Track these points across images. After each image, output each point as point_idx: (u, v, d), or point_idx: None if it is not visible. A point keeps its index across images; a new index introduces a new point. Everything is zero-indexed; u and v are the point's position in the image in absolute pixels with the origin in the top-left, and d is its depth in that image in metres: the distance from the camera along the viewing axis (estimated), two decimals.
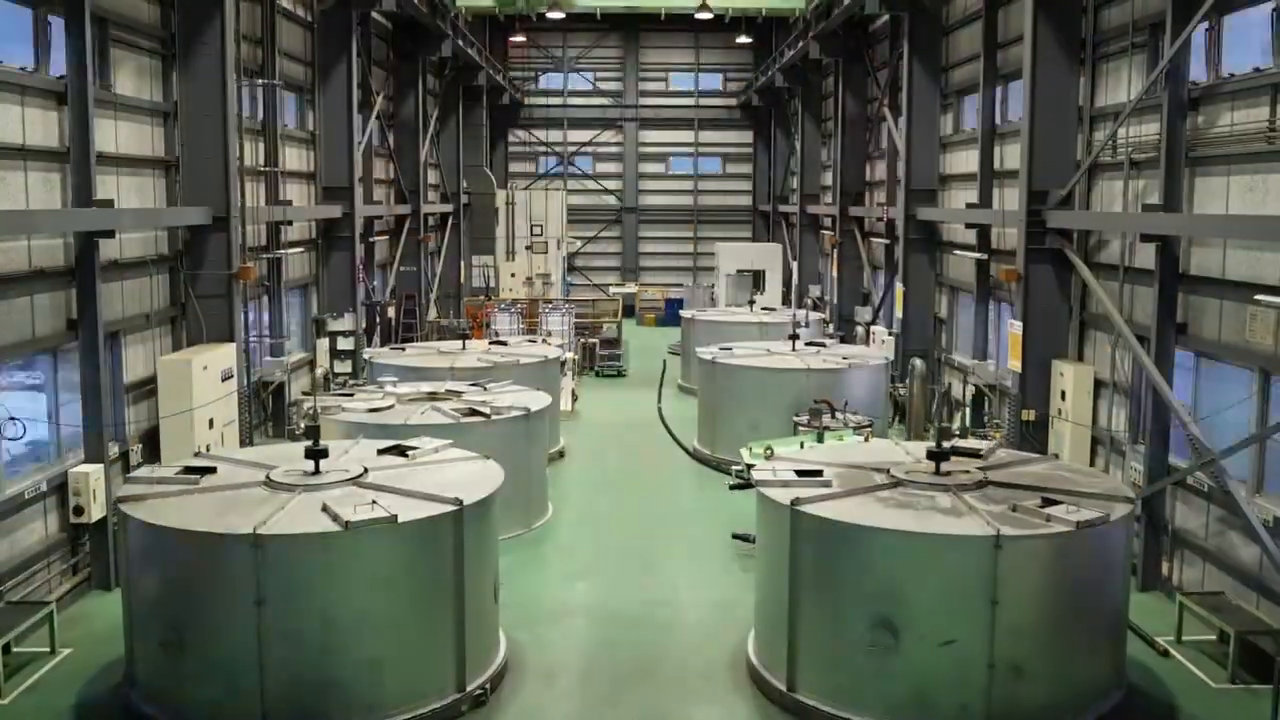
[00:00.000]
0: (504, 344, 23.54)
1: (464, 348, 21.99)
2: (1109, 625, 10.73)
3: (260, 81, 20.31)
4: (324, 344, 23.60)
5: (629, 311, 41.94)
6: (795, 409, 18.63)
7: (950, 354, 23.85)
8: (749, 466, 13.95)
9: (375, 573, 10.18)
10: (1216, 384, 13.53)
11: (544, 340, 25.58)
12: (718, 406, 21.21)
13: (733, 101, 46.91)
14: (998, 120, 20.74)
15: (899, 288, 24.54)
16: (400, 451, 12.69)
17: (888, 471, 11.63)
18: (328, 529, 9.94)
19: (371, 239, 27.87)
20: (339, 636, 10.04)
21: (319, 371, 23.08)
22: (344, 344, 23.68)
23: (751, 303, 32.38)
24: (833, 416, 17.77)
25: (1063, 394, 16.28)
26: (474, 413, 16.08)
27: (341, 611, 10.01)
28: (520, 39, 45.92)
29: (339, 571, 10.01)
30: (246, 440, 17.41)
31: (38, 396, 13.62)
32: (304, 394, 21.44)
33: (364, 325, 25.12)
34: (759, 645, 11.65)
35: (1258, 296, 12.04)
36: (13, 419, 12.46)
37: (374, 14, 26.63)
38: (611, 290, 44.69)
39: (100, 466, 13.75)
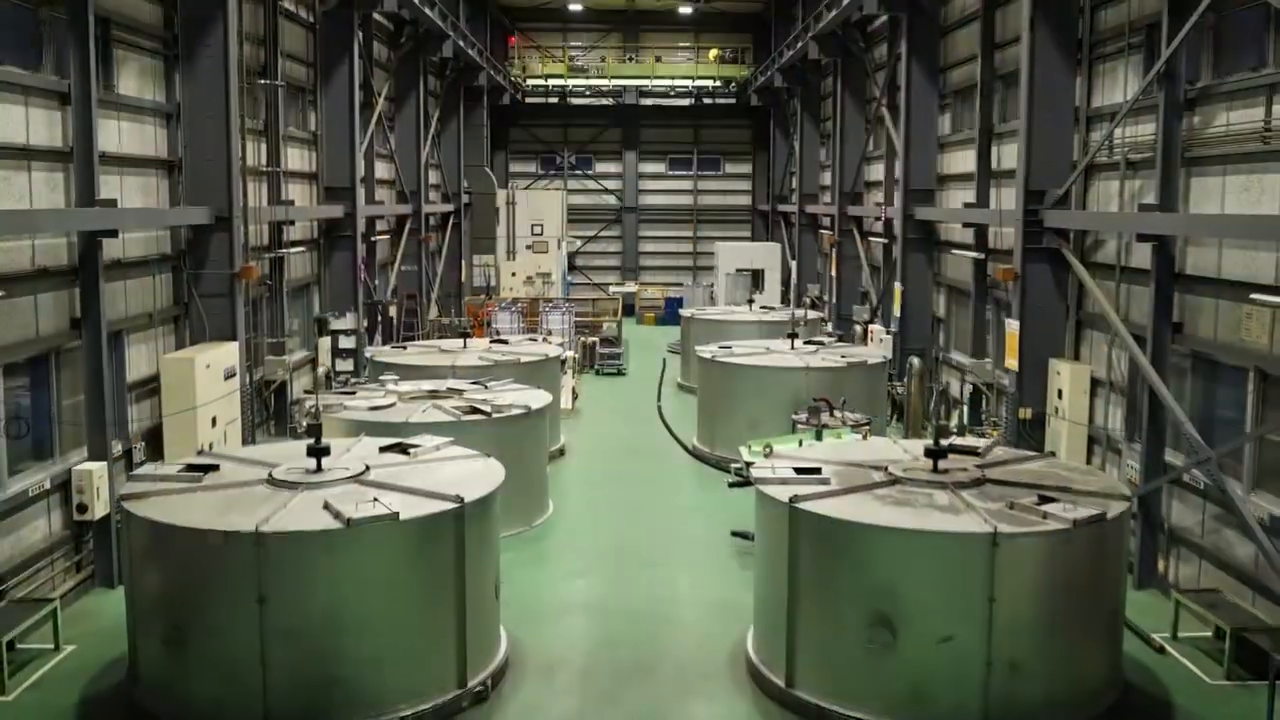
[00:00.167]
0: (505, 343, 23.59)
1: (465, 346, 22.05)
2: (1106, 622, 10.78)
3: (263, 82, 20.37)
4: (326, 343, 23.68)
5: (629, 310, 42.00)
6: (794, 407, 18.65)
7: (948, 352, 23.91)
8: (748, 464, 13.98)
9: (377, 570, 10.25)
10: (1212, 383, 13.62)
11: (544, 339, 25.60)
12: (717, 405, 21.27)
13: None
14: (995, 120, 20.81)
15: (897, 287, 24.60)
16: (402, 449, 12.74)
17: (886, 469, 11.68)
18: (330, 526, 10.00)
19: (373, 239, 27.88)
20: (341, 633, 10.10)
21: (321, 370, 23.14)
22: (346, 343, 23.76)
23: (751, 302, 32.44)
24: (831, 415, 17.80)
25: (1059, 392, 16.35)
26: (475, 411, 16.13)
27: (343, 609, 10.08)
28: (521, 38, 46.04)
29: (341, 569, 10.08)
30: (249, 438, 17.48)
31: (39, 394, 13.68)
32: (306, 392, 21.49)
33: (365, 324, 25.19)
34: (758, 642, 11.72)
35: (1253, 295, 12.12)
36: (16, 417, 12.54)
37: (375, 15, 26.70)
38: (611, 289, 44.74)
39: (104, 464, 13.81)
